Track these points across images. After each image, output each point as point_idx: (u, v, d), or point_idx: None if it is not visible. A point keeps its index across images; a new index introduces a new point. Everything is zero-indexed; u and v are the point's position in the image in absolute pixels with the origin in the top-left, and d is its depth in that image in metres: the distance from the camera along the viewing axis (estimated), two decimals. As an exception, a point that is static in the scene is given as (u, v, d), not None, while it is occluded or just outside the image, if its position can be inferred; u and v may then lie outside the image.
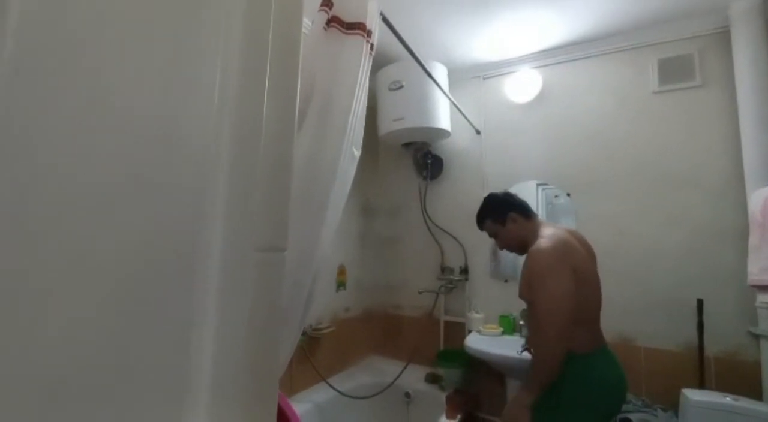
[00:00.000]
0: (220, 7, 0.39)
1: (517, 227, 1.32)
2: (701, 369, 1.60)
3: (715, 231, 1.67)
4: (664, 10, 1.73)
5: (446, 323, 2.26)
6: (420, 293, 2.27)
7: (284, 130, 0.46)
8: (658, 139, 1.82)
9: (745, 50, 1.58)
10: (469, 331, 2.07)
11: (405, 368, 2.01)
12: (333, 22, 1.01)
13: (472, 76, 2.31)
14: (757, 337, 1.51)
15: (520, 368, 1.52)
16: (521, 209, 1.34)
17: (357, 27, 1.02)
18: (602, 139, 1.94)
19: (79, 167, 0.29)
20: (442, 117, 2.11)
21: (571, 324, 1.07)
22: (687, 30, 1.79)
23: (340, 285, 2.25)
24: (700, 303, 1.64)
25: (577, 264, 1.15)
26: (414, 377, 2.06)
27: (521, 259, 1.30)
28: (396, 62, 2.10)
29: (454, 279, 2.23)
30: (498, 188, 1.67)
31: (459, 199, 2.29)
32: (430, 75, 1.63)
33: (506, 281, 2.10)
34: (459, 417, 1.73)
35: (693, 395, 1.43)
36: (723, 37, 1.70)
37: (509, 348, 1.65)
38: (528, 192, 2.01)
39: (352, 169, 1.06)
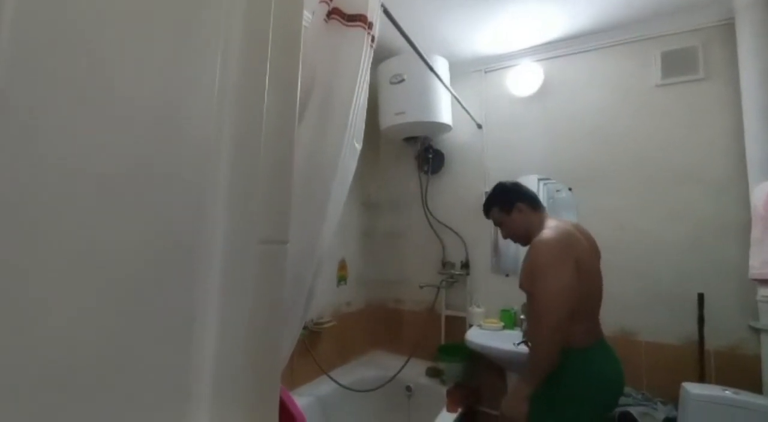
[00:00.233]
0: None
1: (523, 217, 1.32)
2: (701, 363, 1.61)
3: (717, 225, 1.67)
4: (667, 2, 1.71)
5: (447, 317, 2.26)
6: (421, 287, 2.27)
7: (285, 122, 0.46)
8: (660, 132, 1.81)
9: (750, 42, 1.56)
10: (470, 326, 2.08)
11: (406, 362, 2.02)
12: (333, 14, 1.00)
13: (473, 69, 2.30)
14: (757, 331, 1.51)
15: (520, 362, 1.52)
16: (529, 200, 1.34)
17: (358, 19, 1.00)
18: (604, 133, 1.93)
19: (80, 163, 0.29)
20: (444, 111, 2.10)
21: (569, 318, 1.08)
22: (691, 22, 1.77)
23: (342, 279, 2.26)
24: (700, 297, 1.64)
25: (580, 257, 1.15)
26: (415, 371, 2.07)
27: (522, 254, 1.30)
28: (397, 55, 2.08)
29: (455, 273, 2.23)
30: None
31: (460, 194, 2.29)
32: (431, 68, 1.61)
33: (507, 275, 2.10)
34: (460, 410, 1.74)
35: (693, 388, 1.44)
36: (727, 29, 1.68)
37: (510, 342, 1.65)
38: (529, 186, 1.92)
39: (353, 163, 1.05)
